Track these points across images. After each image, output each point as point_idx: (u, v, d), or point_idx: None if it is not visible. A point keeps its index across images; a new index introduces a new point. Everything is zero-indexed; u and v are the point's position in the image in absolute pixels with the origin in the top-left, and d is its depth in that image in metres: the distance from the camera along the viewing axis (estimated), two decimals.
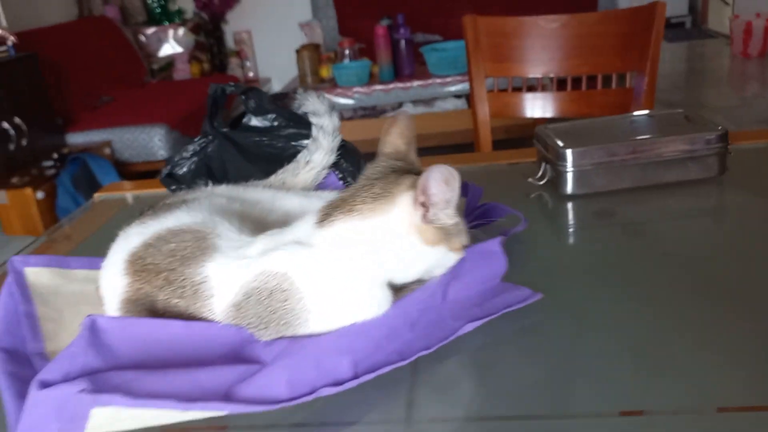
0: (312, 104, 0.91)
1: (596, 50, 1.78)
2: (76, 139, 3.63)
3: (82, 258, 0.78)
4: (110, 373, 0.54)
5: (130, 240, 0.67)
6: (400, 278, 0.65)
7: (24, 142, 3.15)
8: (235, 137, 0.99)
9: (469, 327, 0.65)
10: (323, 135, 0.90)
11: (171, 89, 4.59)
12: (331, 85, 3.82)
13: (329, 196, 0.84)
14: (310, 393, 0.57)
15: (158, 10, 5.22)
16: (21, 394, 0.59)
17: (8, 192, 2.91)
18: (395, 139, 0.70)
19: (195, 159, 1.01)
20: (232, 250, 0.64)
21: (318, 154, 0.89)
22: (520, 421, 0.56)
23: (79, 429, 0.54)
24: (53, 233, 1.07)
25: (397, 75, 3.80)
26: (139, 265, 0.64)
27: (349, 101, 3.72)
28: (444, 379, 0.62)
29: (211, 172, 0.98)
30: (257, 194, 0.79)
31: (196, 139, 1.01)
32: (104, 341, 0.57)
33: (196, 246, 0.64)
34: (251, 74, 5.24)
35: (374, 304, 0.63)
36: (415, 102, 3.84)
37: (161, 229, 0.66)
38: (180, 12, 5.29)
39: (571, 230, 0.90)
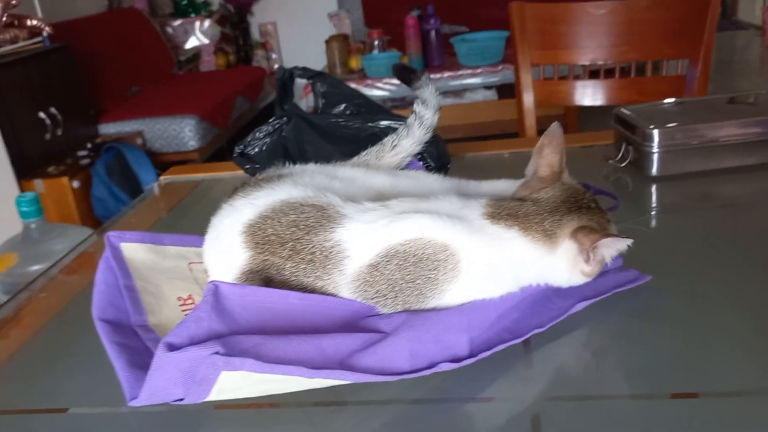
0: (427, 93, 0.90)
1: (646, 37, 1.75)
2: (109, 129, 3.65)
3: (173, 235, 0.78)
4: (239, 337, 0.54)
5: (240, 212, 0.67)
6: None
7: (59, 132, 3.16)
8: (310, 118, 0.99)
9: (580, 306, 0.64)
10: (419, 125, 0.89)
11: (199, 80, 4.61)
12: (360, 76, 3.80)
13: (417, 175, 0.83)
14: (429, 367, 0.57)
15: (185, 2, 5.23)
16: (132, 363, 0.59)
17: (45, 181, 2.93)
18: (552, 159, 0.69)
19: (268, 140, 1.00)
20: (362, 215, 0.64)
21: (407, 141, 0.88)
22: (636, 401, 0.55)
23: (204, 393, 0.54)
24: (123, 215, 1.07)
25: (427, 66, 3.78)
26: (260, 237, 0.64)
27: (379, 92, 3.71)
28: (557, 358, 0.61)
29: (288, 152, 0.97)
30: (349, 172, 0.78)
31: (270, 120, 1.01)
32: (226, 307, 0.57)
33: (320, 216, 0.64)
34: (277, 66, 5.23)
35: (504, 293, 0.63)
36: (445, 93, 3.82)
37: (274, 201, 0.66)
38: (206, 4, 5.29)
39: (660, 212, 0.89)
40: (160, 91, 4.24)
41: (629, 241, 0.63)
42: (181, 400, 0.55)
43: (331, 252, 0.62)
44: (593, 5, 1.79)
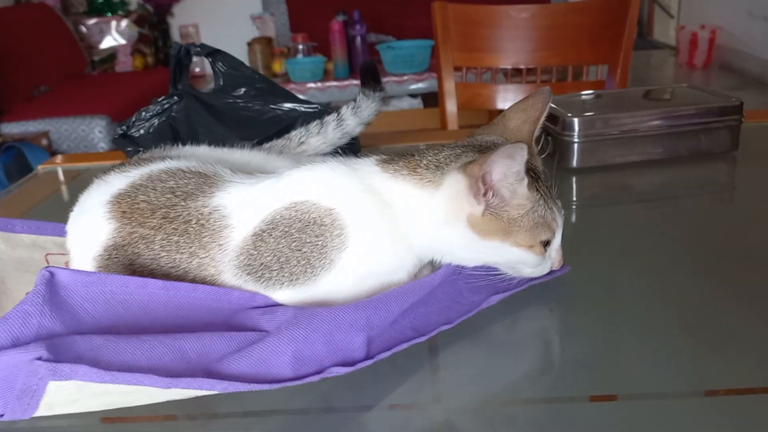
0: (365, 105, 0.83)
1: (567, 42, 1.74)
2: (11, 129, 3.41)
3: (28, 222, 0.67)
4: (74, 338, 0.43)
5: (111, 184, 0.58)
6: (455, 261, 0.57)
7: None
8: (205, 98, 0.89)
9: (493, 300, 0.57)
10: (336, 127, 0.82)
11: (113, 81, 4.39)
12: (284, 80, 3.70)
13: (325, 159, 0.75)
14: (318, 372, 0.48)
15: (100, 1, 4.99)
16: None
17: None
18: (513, 113, 0.61)
19: (156, 121, 0.90)
20: (249, 180, 0.56)
21: (316, 140, 0.80)
22: (557, 404, 0.48)
23: (30, 408, 0.43)
24: None
25: (352, 72, 3.72)
26: (127, 205, 0.55)
27: (302, 97, 3.61)
28: (467, 360, 0.53)
29: (177, 134, 0.87)
30: (246, 156, 0.70)
31: (158, 99, 0.90)
32: (65, 300, 0.46)
33: (202, 182, 0.56)
34: (198, 69, 5.05)
35: (407, 269, 0.55)
36: None
37: (153, 170, 0.57)
38: (123, 3, 5.07)
39: (580, 204, 0.83)
40: (71, 91, 4.01)
41: (522, 147, 0.50)
42: (1, 416, 0.44)
43: (208, 220, 0.53)
44: (515, 9, 1.76)
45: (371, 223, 0.53)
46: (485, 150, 0.56)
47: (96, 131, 3.43)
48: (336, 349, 0.49)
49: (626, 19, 1.63)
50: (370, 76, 0.84)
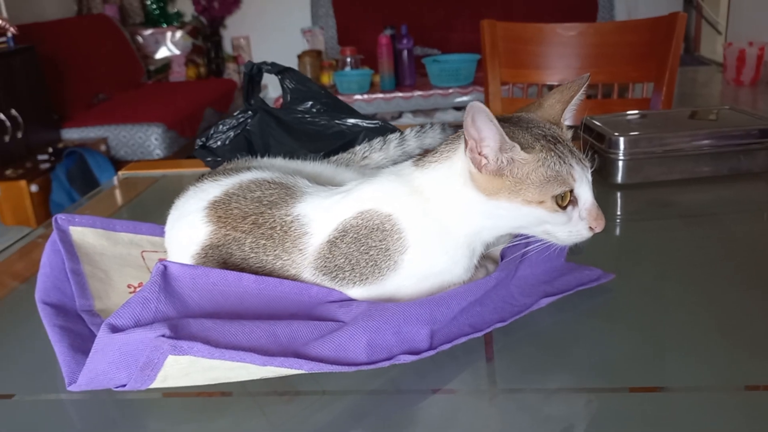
0: (431, 136, 0.90)
1: (613, 59, 1.77)
2: (72, 134, 3.58)
3: (126, 221, 0.76)
4: (188, 320, 0.51)
5: (206, 191, 0.66)
6: (487, 235, 0.62)
7: (19, 135, 3.09)
8: (276, 113, 0.97)
9: (544, 302, 0.63)
10: (398, 145, 0.88)
11: (168, 90, 4.55)
12: (332, 91, 3.79)
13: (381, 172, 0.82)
14: (388, 359, 0.55)
15: (156, 12, 5.19)
16: (74, 347, 0.57)
17: (2, 184, 2.84)
18: (551, 93, 0.64)
19: (232, 133, 0.98)
20: (323, 193, 0.64)
21: (378, 155, 0.87)
22: (600, 393, 0.54)
23: (148, 379, 0.51)
24: (76, 208, 1.03)
25: (398, 85, 3.80)
26: (222, 211, 0.63)
27: None
28: (519, 353, 0.60)
29: (251, 146, 0.95)
30: (317, 167, 0.77)
31: (235, 113, 0.99)
32: (175, 289, 0.54)
33: (284, 193, 0.63)
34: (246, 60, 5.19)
35: (461, 265, 0.61)
36: (415, 112, 3.83)
37: (243, 180, 0.65)
38: (179, 14, 5.26)
39: (624, 218, 0.88)
40: (128, 99, 4.18)
41: (474, 105, 0.52)
42: (123, 386, 0.52)
43: (290, 227, 0.60)
44: (563, 27, 1.81)
45: (420, 225, 0.60)
46: (506, 121, 0.60)
47: (152, 138, 3.57)
48: (404, 340, 0.56)
49: (673, 38, 1.66)
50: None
